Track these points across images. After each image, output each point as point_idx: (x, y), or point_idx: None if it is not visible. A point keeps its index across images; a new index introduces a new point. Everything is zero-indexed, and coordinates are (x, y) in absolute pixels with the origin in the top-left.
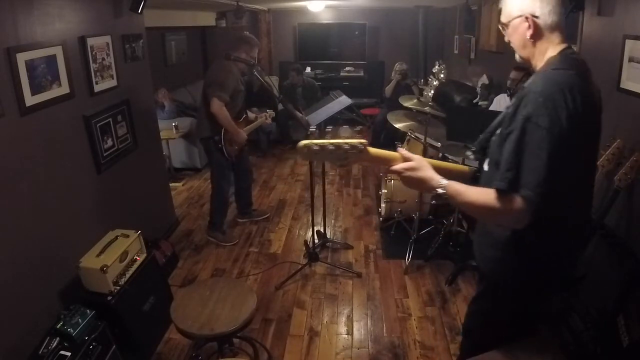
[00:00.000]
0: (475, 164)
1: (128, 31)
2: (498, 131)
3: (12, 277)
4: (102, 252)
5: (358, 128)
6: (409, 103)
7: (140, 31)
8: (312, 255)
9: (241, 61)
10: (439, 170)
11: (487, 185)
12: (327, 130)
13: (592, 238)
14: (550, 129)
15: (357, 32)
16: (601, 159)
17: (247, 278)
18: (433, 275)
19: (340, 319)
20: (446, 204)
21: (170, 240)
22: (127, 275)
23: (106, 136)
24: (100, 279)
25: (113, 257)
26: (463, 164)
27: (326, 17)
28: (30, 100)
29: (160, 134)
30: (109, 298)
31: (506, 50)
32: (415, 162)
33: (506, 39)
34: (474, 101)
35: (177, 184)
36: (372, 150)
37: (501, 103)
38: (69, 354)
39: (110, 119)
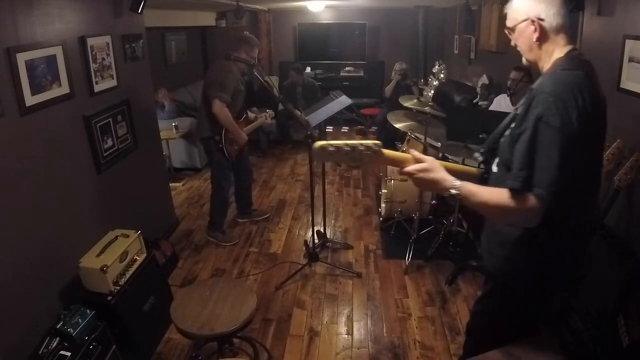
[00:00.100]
0: (476, 164)
1: (128, 31)
2: (507, 132)
3: (12, 277)
4: (102, 252)
5: (358, 127)
6: (409, 103)
7: (140, 31)
8: (312, 255)
9: (241, 61)
10: (449, 172)
11: (496, 186)
12: (327, 130)
13: (593, 238)
14: (561, 129)
15: (357, 32)
16: None
17: (247, 278)
18: (433, 275)
19: (340, 319)
20: (446, 204)
21: (170, 240)
22: (127, 275)
23: (106, 136)
24: (100, 279)
25: (113, 257)
26: (463, 164)
27: (326, 17)
28: (30, 100)
29: (160, 134)
30: (109, 298)
31: (506, 50)
32: (427, 164)
33: (512, 43)
34: (474, 101)
35: (177, 184)
36: (386, 151)
37: (501, 103)
38: (69, 354)
39: (110, 119)
